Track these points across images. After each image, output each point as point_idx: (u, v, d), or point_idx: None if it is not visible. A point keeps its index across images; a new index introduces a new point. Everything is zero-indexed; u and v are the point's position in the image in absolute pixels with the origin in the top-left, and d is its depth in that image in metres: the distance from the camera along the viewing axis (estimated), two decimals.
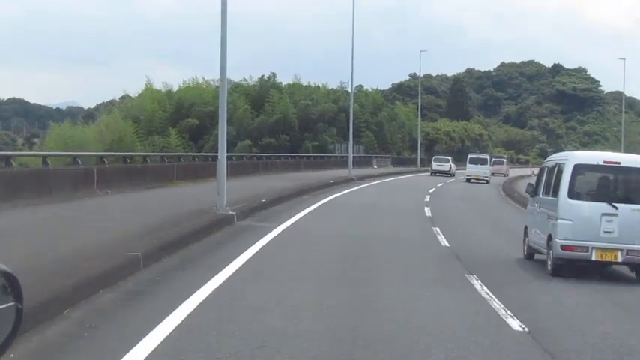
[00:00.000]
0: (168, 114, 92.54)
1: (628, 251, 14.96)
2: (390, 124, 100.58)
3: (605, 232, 14.96)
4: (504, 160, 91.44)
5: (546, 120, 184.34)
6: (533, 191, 18.19)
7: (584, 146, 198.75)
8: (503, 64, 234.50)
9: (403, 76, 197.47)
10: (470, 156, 70.71)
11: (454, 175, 75.66)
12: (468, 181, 64.96)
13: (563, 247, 15.06)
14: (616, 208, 15.05)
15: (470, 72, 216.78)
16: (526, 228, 18.31)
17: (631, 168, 15.63)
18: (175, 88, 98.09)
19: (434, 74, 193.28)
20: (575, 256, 15.14)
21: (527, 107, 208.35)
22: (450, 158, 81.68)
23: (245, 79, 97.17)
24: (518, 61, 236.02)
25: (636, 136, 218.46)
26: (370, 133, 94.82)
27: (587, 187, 16.12)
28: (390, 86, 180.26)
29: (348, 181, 51.70)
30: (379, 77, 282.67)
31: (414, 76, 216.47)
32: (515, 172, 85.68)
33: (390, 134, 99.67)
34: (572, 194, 15.38)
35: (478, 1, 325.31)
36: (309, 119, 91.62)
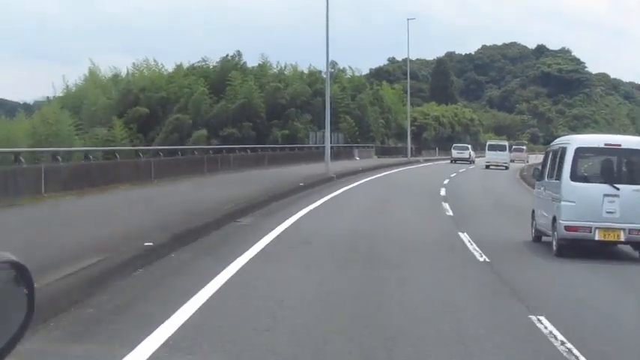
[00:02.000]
0: (113, 102, 77.72)
1: (630, 230, 15.01)
2: (373, 109, 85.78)
3: (608, 212, 14.97)
4: (524, 147, 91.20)
5: (535, 103, 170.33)
6: (540, 175, 18.24)
7: (573, 130, 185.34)
8: (484, 47, 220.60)
9: (381, 61, 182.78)
10: (489, 143, 72.38)
11: (474, 162, 74.56)
12: (487, 167, 64.46)
13: (567, 228, 15.12)
14: (617, 189, 15.08)
15: (450, 56, 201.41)
16: (533, 211, 18.19)
17: (632, 149, 15.63)
18: (125, 73, 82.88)
19: (413, 58, 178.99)
20: (578, 236, 15.23)
21: (512, 91, 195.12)
22: (469, 145, 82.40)
23: (204, 60, 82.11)
24: (500, 43, 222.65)
25: (625, 119, 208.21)
26: (351, 119, 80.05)
27: (589, 169, 16.33)
28: (368, 72, 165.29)
29: (326, 181, 37.28)
30: (355, 63, 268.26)
31: (392, 60, 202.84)
32: (536, 158, 74.78)
33: (374, 120, 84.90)
34: (575, 176, 15.37)
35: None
36: (277, 104, 76.89)
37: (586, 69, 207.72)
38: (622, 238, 15.22)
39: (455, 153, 77.60)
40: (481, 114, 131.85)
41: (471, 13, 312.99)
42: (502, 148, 67.80)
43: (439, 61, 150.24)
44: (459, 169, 57.91)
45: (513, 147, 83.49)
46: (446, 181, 41.75)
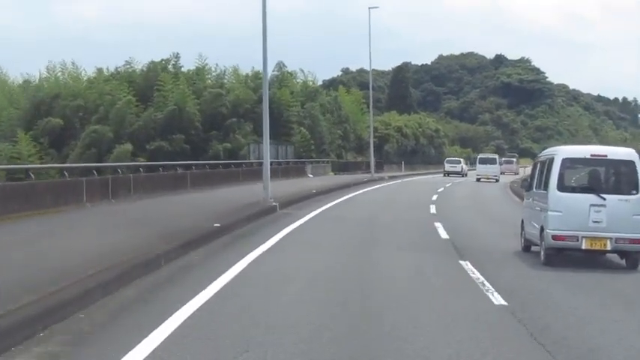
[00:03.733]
0: (22, 112, 64.56)
1: (617, 239, 15.06)
2: (326, 118, 73.20)
3: (594, 221, 15.05)
4: (514, 160, 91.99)
5: (499, 114, 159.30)
6: (528, 185, 18.31)
7: (536, 142, 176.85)
8: (441, 57, 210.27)
9: (334, 73, 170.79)
10: (479, 156, 71.95)
11: (466, 175, 76.16)
12: (478, 180, 63.76)
13: (555, 237, 15.19)
14: (604, 198, 15.11)
15: (406, 66, 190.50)
16: (522, 221, 18.23)
17: (617, 160, 15.70)
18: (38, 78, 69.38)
19: (367, 69, 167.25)
20: (565, 245, 15.31)
21: (471, 102, 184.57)
22: (461, 159, 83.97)
23: (129, 63, 68.88)
24: (457, 53, 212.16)
25: (587, 130, 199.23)
26: (304, 130, 67.38)
27: (576, 180, 16.37)
28: (321, 83, 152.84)
29: (261, 215, 24.69)
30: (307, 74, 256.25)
31: (346, 71, 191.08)
32: (524, 171, 75.35)
33: (327, 131, 72.32)
34: (562, 187, 15.44)
35: (405, 7, 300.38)
36: (217, 114, 64.15)
37: (547, 79, 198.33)
38: (609, 247, 15.19)
39: (448, 166, 78.50)
40: (443, 125, 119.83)
41: (426, 26, 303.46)
42: (492, 162, 67.48)
43: (397, 69, 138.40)
44: (438, 188, 45.95)
45: (504, 160, 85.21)
46: (436, 200, 29.58)
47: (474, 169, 70.78)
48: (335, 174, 67.13)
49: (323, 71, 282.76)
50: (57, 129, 61.57)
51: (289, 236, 19.54)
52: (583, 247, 15.15)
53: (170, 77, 64.63)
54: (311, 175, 59.97)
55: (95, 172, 29.85)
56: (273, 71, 73.56)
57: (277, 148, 56.90)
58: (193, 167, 38.86)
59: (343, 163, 73.47)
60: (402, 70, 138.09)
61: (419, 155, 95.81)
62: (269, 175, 28.17)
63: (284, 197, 30.92)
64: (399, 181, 60.15)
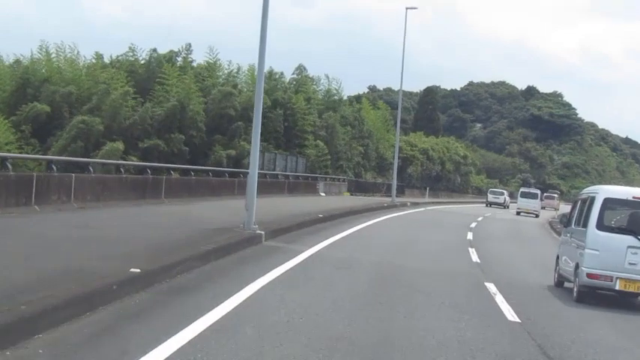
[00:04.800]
0: (6, 95, 56.81)
1: None
2: (347, 131, 64.91)
3: (630, 263, 14.76)
4: (556, 196, 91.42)
5: (528, 146, 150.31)
6: (567, 222, 18.12)
7: (563, 179, 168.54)
8: (471, 84, 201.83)
9: (360, 90, 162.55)
10: (521, 190, 71.15)
11: (508, 207, 76.55)
12: (518, 214, 63.17)
13: (589, 275, 14.88)
14: None
15: (435, 89, 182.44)
16: (558, 257, 17.93)
17: None
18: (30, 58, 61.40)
19: (395, 88, 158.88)
20: (599, 284, 14.97)
21: (499, 132, 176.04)
22: (504, 191, 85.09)
23: (132, 51, 60.81)
24: (488, 81, 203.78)
25: (614, 172, 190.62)
26: (321, 143, 59.12)
27: (615, 220, 15.85)
28: (346, 98, 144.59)
29: (233, 250, 16.43)
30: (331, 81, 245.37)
31: (373, 88, 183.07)
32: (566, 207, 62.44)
33: (346, 146, 64.04)
34: (601, 226, 15.13)
35: (429, 36, 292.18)
36: (224, 115, 56.08)
37: (577, 115, 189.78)
38: None
39: (491, 197, 79.63)
40: (470, 152, 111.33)
41: (455, 53, 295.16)
42: (534, 196, 66.80)
43: (426, 91, 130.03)
44: (470, 223, 37.78)
45: (545, 195, 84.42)
46: (473, 241, 21.51)
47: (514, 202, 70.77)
48: (350, 194, 58.97)
49: (349, 88, 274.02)
50: (42, 116, 53.65)
51: (257, 299, 11.31)
52: (617, 287, 14.87)
53: (175, 70, 56.62)
54: (323, 194, 51.86)
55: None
56: (292, 74, 65.65)
57: (287, 160, 48.86)
58: (172, 172, 30.59)
59: (361, 183, 65.25)
60: (431, 91, 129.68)
61: (443, 182, 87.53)
62: (255, 192, 19.85)
63: (277, 221, 22.81)
64: (423, 209, 51.83)
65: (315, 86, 66.62)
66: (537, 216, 61.43)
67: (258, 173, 42.20)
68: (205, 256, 14.33)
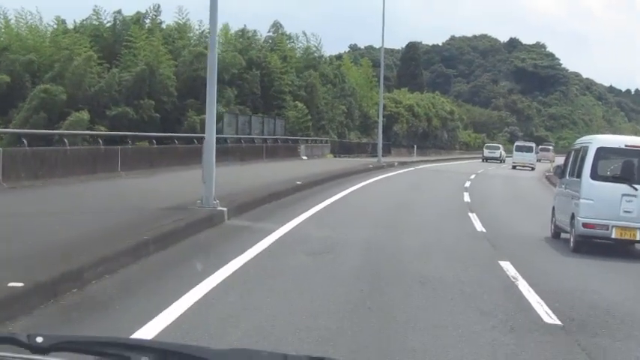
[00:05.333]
0: None
1: None
2: (329, 90, 61.20)
3: (625, 211, 14.66)
4: (551, 148, 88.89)
5: (514, 99, 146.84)
6: (561, 173, 17.94)
7: (550, 130, 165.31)
8: (453, 39, 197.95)
9: (341, 49, 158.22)
10: (516, 144, 71.35)
11: (504, 162, 75.90)
12: (514, 167, 63.01)
13: (585, 225, 14.81)
14: (636, 189, 14.73)
15: (417, 45, 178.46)
16: (554, 208, 17.72)
17: None
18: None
19: (377, 46, 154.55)
20: (595, 234, 14.90)
21: (482, 85, 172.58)
22: (500, 145, 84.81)
23: (96, 13, 56.64)
24: (469, 35, 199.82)
25: (601, 121, 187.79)
26: (300, 104, 55.43)
27: (609, 169, 15.77)
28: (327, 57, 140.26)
29: (182, 236, 13.01)
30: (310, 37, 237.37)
31: (354, 47, 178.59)
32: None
33: (328, 105, 60.39)
34: (595, 175, 15.06)
35: None
36: (197, 78, 52.23)
37: (561, 65, 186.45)
38: (638, 237, 14.75)
39: (487, 152, 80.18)
40: (456, 108, 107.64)
41: (437, 9, 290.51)
42: (529, 150, 66.68)
43: (408, 47, 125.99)
44: (464, 182, 34.54)
45: (540, 147, 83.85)
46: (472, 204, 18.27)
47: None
48: (334, 156, 55.56)
49: (329, 48, 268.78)
50: (2, 87, 49.84)
51: (197, 316, 7.88)
52: (613, 236, 14.76)
53: (143, 32, 52.77)
54: (305, 157, 48.43)
55: None
56: (268, 32, 61.76)
57: (263, 123, 45.29)
58: (129, 142, 27.07)
59: (345, 144, 61.76)
60: (414, 47, 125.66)
61: (430, 139, 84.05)
62: (213, 161, 16.33)
63: (247, 193, 19.44)
64: (412, 169, 48.47)
65: (293, 44, 62.78)
66: (533, 169, 60.98)
67: (233, 138, 38.71)
68: (139, 249, 10.92)
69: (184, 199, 16.65)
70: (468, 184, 35.03)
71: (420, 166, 52.35)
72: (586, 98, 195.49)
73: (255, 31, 58.70)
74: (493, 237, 16.41)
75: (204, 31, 58.85)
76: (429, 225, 18.09)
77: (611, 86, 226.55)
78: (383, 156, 52.32)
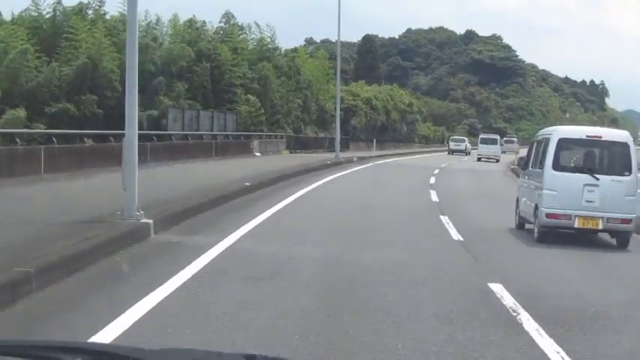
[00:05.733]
0: None
1: (608, 219, 14.82)
2: (283, 83, 58.19)
3: (587, 201, 14.83)
4: (515, 139, 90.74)
5: (472, 90, 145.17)
6: (525, 164, 17.89)
7: (508, 122, 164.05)
8: (409, 31, 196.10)
9: (297, 43, 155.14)
10: (481, 136, 72.06)
11: (469, 154, 75.05)
12: (479, 159, 62.71)
13: (548, 215, 14.90)
14: (597, 179, 14.89)
15: (374, 37, 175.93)
16: (517, 199, 17.73)
17: (612, 141, 15.47)
18: None
19: (333, 40, 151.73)
20: (559, 224, 15.01)
21: (440, 78, 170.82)
22: (465, 138, 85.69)
23: (34, 5, 53.03)
24: (426, 27, 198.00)
25: (558, 112, 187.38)
26: (252, 97, 52.40)
27: (571, 160, 15.88)
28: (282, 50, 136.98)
29: (85, 263, 10.15)
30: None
31: (310, 41, 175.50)
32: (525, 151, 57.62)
33: (283, 99, 57.39)
34: (557, 166, 15.18)
35: None
36: (144, 71, 48.93)
37: (518, 57, 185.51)
38: (600, 227, 14.96)
39: (452, 145, 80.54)
40: (415, 100, 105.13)
41: (392, 1, 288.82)
42: (494, 142, 66.92)
43: (364, 39, 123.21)
44: (429, 178, 31.95)
45: (504, 139, 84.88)
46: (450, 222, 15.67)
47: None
48: (290, 152, 52.75)
49: (285, 42, 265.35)
50: None
51: None
52: (576, 225, 14.89)
53: (85, 24, 49.42)
54: (258, 154, 45.58)
55: None
56: (220, 22, 58.63)
57: (213, 118, 42.28)
58: (54, 140, 24.03)
59: (302, 139, 58.94)
60: (370, 39, 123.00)
61: (389, 132, 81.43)
62: (135, 163, 13.30)
63: (183, 200, 16.56)
64: (371, 164, 45.81)
65: (245, 35, 59.60)
66: (498, 161, 61.07)
67: (179, 135, 35.74)
68: (18, 286, 8.02)
69: (108, 208, 13.74)
70: (432, 180, 32.49)
71: (380, 161, 49.72)
72: (542, 90, 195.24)
73: (204, 21, 55.49)
74: (474, 248, 13.76)
75: (150, 22, 55.77)
76: (396, 234, 15.38)
77: (566, 77, 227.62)
78: (341, 151, 49.61)
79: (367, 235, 14.76)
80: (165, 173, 25.01)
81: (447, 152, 78.09)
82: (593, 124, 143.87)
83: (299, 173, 30.39)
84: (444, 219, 17.80)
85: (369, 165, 44.19)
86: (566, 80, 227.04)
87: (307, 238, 13.92)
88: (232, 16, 59.39)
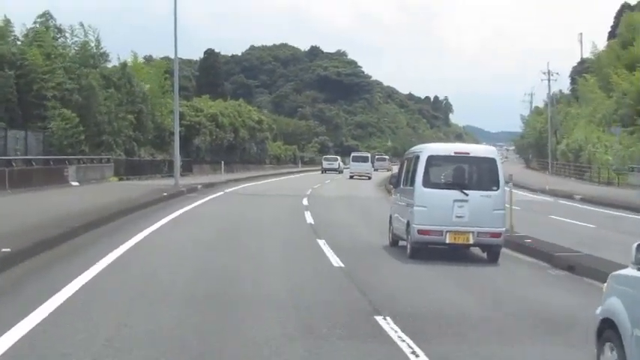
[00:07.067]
0: None
1: (478, 233, 14.84)
2: (112, 95, 47.50)
3: (457, 216, 14.81)
4: (387, 157, 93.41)
5: (321, 107, 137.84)
6: (396, 182, 17.77)
7: (358, 139, 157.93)
8: (253, 48, 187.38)
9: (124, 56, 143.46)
10: (353, 154, 72.84)
11: (342, 172, 75.58)
12: (352, 177, 63.69)
13: (420, 232, 14.89)
14: (466, 194, 14.87)
15: (216, 53, 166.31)
16: (390, 217, 17.57)
17: (479, 157, 15.63)
18: None
19: (172, 56, 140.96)
20: (430, 239, 15.05)
21: (286, 95, 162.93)
22: (338, 157, 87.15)
23: None
24: (269, 44, 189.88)
25: (407, 128, 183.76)
26: (68, 111, 41.63)
27: (440, 176, 15.83)
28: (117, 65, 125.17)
29: None
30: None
31: (149, 59, 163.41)
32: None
33: (113, 114, 46.80)
34: (427, 183, 15.13)
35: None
36: None
37: (364, 73, 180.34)
38: (471, 241, 14.98)
39: (326, 164, 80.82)
40: (264, 116, 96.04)
41: (233, 22, 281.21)
42: (365, 160, 68.34)
43: (207, 55, 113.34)
44: (300, 204, 22.96)
45: (376, 157, 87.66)
46: None
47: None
48: (120, 179, 42.55)
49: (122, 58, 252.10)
50: None
51: None
52: (447, 241, 14.88)
53: None
54: (76, 183, 35.32)
55: None
56: (35, 23, 47.53)
57: (5, 137, 31.48)
58: None
59: (135, 163, 48.61)
60: (212, 55, 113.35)
61: (238, 152, 71.86)
62: None
63: None
64: (221, 193, 36.22)
65: (64, 38, 48.66)
66: (370, 178, 61.67)
67: None
68: None
69: None
70: (308, 215, 23.45)
71: (232, 188, 40.16)
72: (389, 106, 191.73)
73: (9, 20, 44.25)
74: None
75: None
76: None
77: (410, 93, 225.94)
78: (183, 176, 40.10)
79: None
80: None
81: (320, 171, 78.41)
82: (440, 140, 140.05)
83: (118, 215, 20.59)
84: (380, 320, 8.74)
85: (218, 194, 34.55)
86: (410, 97, 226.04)
87: None
88: (51, 16, 48.39)
